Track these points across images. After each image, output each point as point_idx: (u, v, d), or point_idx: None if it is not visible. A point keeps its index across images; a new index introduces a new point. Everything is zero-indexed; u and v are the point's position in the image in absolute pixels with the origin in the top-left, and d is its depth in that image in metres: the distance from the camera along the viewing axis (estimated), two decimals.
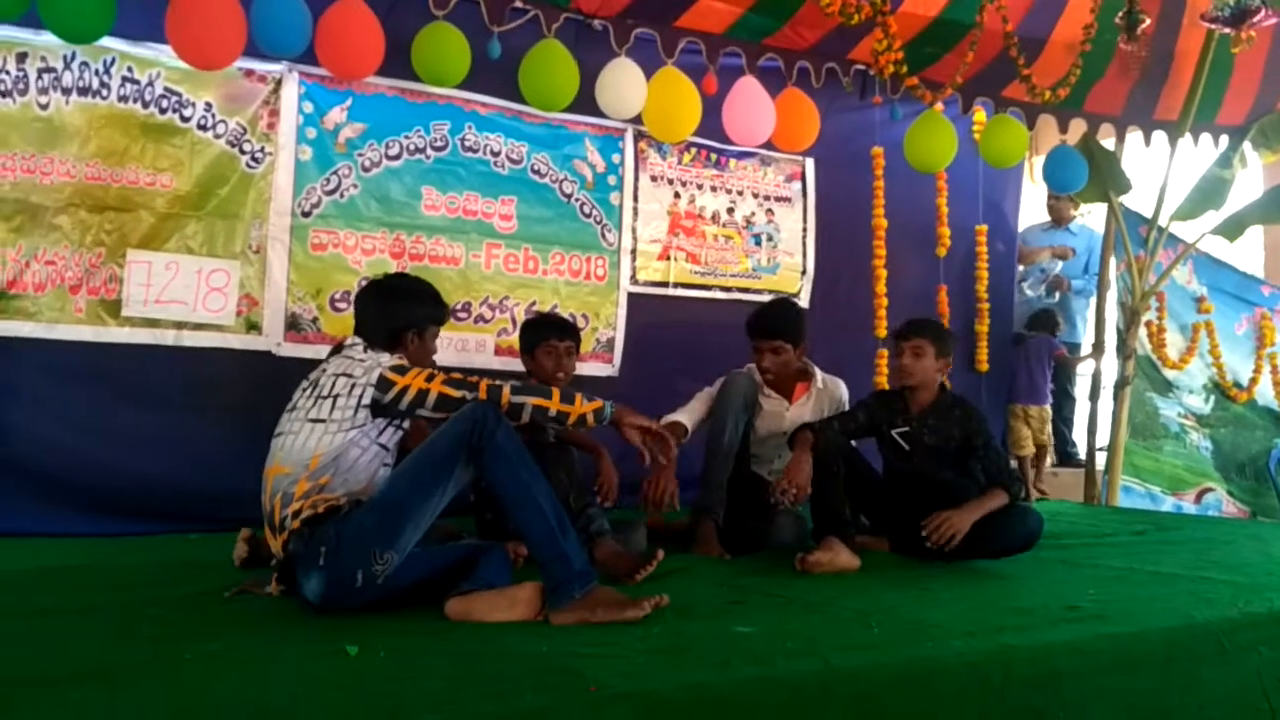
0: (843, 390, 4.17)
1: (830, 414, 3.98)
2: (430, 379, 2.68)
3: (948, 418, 3.79)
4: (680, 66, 4.64)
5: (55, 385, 3.89)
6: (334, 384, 2.70)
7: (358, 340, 2.87)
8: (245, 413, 3.98)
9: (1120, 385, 6.15)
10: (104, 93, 3.99)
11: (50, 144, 3.90)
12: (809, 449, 3.56)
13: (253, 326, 4.26)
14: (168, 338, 4.09)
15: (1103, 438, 6.26)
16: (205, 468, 4.00)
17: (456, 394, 2.67)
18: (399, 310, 2.92)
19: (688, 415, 3.88)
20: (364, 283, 3.36)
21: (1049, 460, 6.20)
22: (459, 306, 4.69)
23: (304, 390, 2.77)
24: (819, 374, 4.13)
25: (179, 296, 4.10)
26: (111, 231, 3.99)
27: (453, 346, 4.68)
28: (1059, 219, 6.79)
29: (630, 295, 5.16)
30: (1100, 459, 6.22)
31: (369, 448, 2.69)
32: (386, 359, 2.76)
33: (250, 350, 4.24)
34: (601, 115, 4.73)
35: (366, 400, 2.65)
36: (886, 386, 4.89)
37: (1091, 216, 7.05)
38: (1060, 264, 6.69)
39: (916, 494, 3.69)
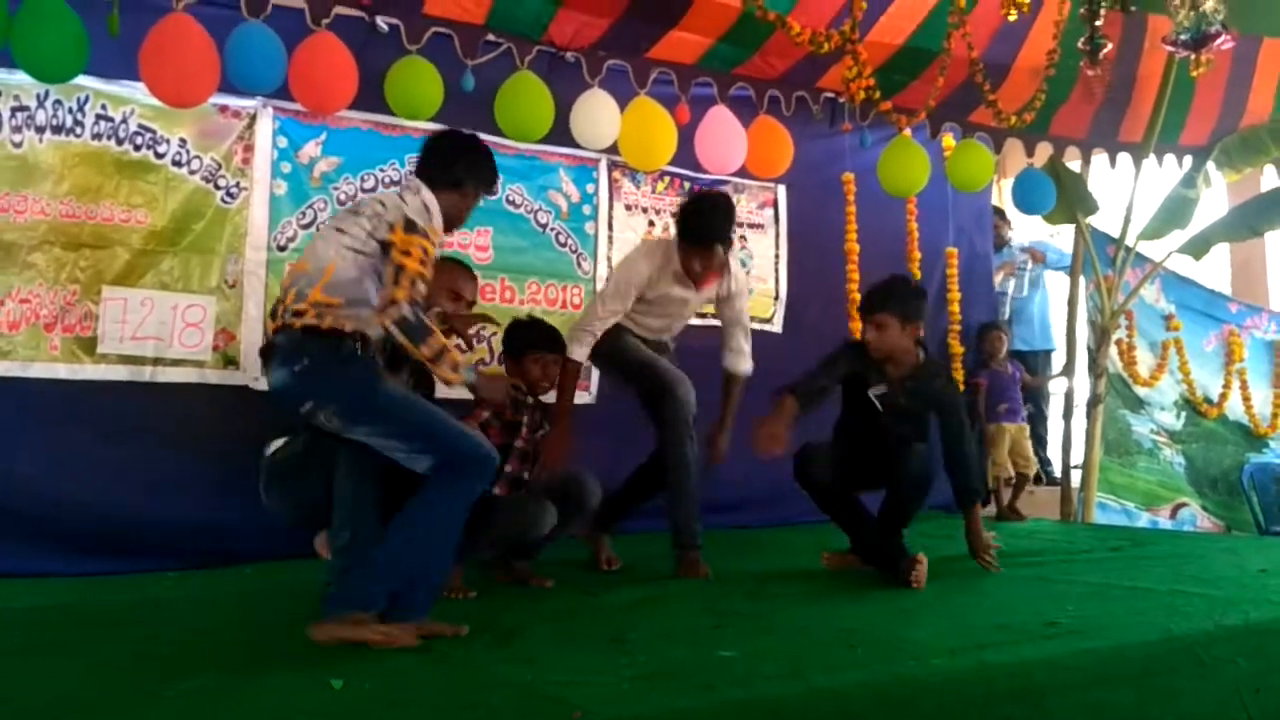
0: (743, 278, 4.36)
1: (731, 294, 4.08)
2: (422, 262, 2.75)
3: (929, 387, 3.81)
4: (652, 96, 4.70)
5: (31, 424, 3.86)
6: (370, 208, 2.85)
7: (415, 180, 3.00)
8: (223, 448, 3.97)
9: (1093, 403, 6.21)
10: (78, 130, 3.99)
11: (24, 182, 3.89)
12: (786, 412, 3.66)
13: (230, 361, 4.24)
14: (144, 374, 4.07)
15: (1077, 455, 6.32)
16: (183, 504, 3.98)
17: (411, 293, 2.71)
18: (467, 161, 3.06)
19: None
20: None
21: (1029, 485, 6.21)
22: None
23: (349, 205, 2.98)
24: (733, 265, 4.12)
25: (155, 332, 4.09)
26: (86, 269, 3.98)
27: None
28: (997, 243, 6.82)
29: None
30: (1075, 476, 6.28)
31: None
32: (417, 207, 2.85)
33: (227, 385, 4.22)
34: (575, 146, 4.78)
35: (380, 235, 2.79)
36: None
37: (1060, 237, 7.16)
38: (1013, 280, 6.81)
39: (868, 441, 3.77)
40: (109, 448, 3.97)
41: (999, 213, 6.77)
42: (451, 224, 3.04)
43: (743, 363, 4.16)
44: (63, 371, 3.94)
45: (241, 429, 3.81)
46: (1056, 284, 7.02)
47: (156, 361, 4.10)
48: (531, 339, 3.79)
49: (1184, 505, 6.57)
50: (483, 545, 3.45)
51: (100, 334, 4.00)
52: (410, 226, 2.77)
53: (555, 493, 3.56)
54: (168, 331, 4.12)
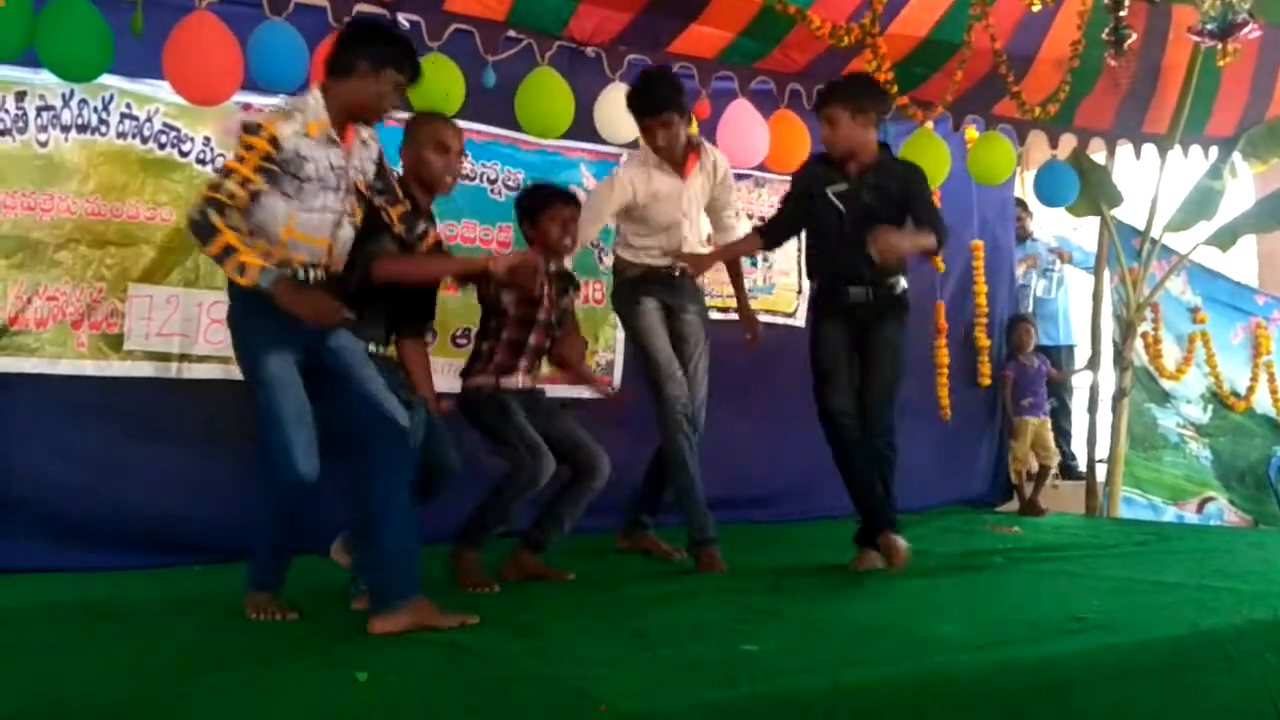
0: (725, 160, 4.23)
1: (718, 184, 4.11)
2: (241, 159, 2.75)
3: (889, 173, 3.79)
4: None
5: (58, 420, 3.89)
6: None
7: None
8: (248, 443, 3.96)
9: (1118, 397, 6.17)
10: (103, 129, 4.02)
11: (50, 181, 3.93)
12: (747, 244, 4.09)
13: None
14: (170, 370, 4.11)
15: (1102, 450, 6.27)
16: (210, 499, 4.00)
17: (218, 193, 2.71)
18: (357, 44, 2.92)
19: None
20: None
21: (1051, 476, 6.17)
22: (459, 333, 4.70)
23: None
24: (705, 143, 4.17)
25: (181, 329, 4.12)
26: (112, 266, 4.02)
27: (452, 370, 4.68)
28: (1020, 235, 6.76)
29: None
30: (1100, 471, 6.24)
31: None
32: (270, 111, 2.92)
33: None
34: (597, 140, 4.78)
35: None
36: None
37: (1082, 231, 7.10)
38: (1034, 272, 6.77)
39: (847, 251, 3.73)
40: (135, 444, 4.01)
41: (1021, 204, 6.71)
42: (367, 112, 2.93)
43: (732, 236, 4.23)
44: (90, 368, 3.97)
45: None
46: (1078, 280, 6.96)
47: (183, 358, 4.13)
48: (545, 197, 3.74)
49: (1211, 499, 6.51)
50: (493, 521, 3.47)
51: (126, 331, 4.03)
52: (246, 129, 2.78)
53: (564, 454, 3.58)
54: (193, 328, 4.14)
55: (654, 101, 3.87)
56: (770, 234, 4.07)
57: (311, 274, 2.88)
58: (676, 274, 4.03)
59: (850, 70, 4.05)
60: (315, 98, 2.89)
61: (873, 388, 3.81)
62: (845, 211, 3.76)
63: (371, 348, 3.18)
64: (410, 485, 2.80)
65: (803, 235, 4.09)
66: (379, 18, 3.12)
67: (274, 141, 2.76)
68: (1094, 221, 6.45)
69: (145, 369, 4.06)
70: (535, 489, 3.47)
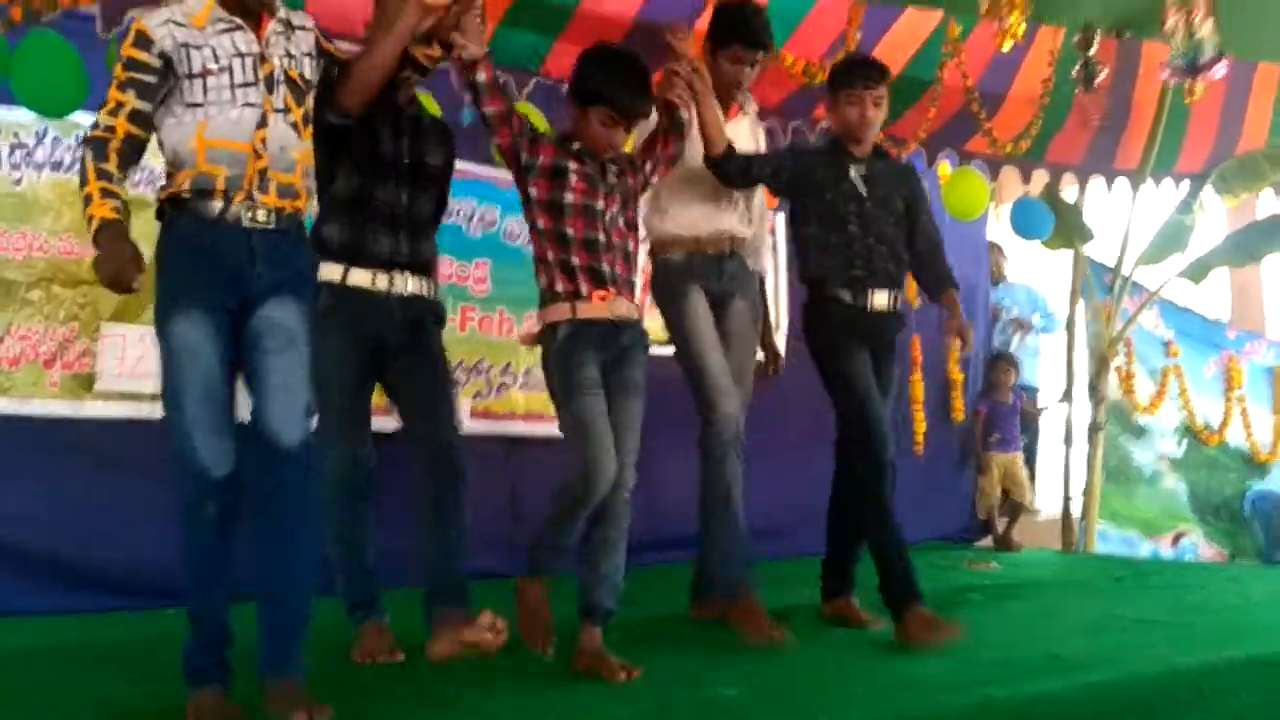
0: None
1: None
2: (120, 86, 2.31)
3: (892, 163, 3.57)
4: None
5: (30, 461, 3.85)
6: None
7: None
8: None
9: (1093, 430, 6.20)
10: (76, 167, 3.98)
11: (23, 219, 3.90)
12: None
13: None
14: (143, 410, 4.05)
15: (1077, 484, 6.30)
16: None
17: (100, 127, 2.31)
18: None
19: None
20: None
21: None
22: None
23: None
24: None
25: (154, 369, 4.06)
26: (85, 305, 3.98)
27: None
28: (995, 276, 6.68)
29: None
30: (1076, 505, 6.26)
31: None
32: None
33: None
34: None
35: None
36: None
37: (1057, 264, 7.15)
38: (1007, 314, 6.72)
39: (872, 243, 3.37)
40: (109, 484, 3.96)
41: (996, 247, 6.74)
42: None
43: (759, 264, 3.75)
44: (62, 409, 3.92)
45: (238, 464, 3.79)
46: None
47: (155, 397, 4.06)
48: (607, 85, 2.87)
49: (1185, 533, 6.55)
50: (561, 538, 2.85)
51: (99, 370, 3.99)
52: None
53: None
54: None
55: (759, 36, 3.42)
56: (749, 159, 3.43)
57: (235, 195, 2.35)
58: (722, 253, 3.49)
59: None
60: None
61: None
62: (868, 196, 3.39)
63: (417, 285, 2.95)
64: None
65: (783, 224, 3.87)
66: None
67: (141, 39, 2.31)
68: (1065, 260, 6.50)
69: (118, 409, 4.02)
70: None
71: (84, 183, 2.26)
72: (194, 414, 2.29)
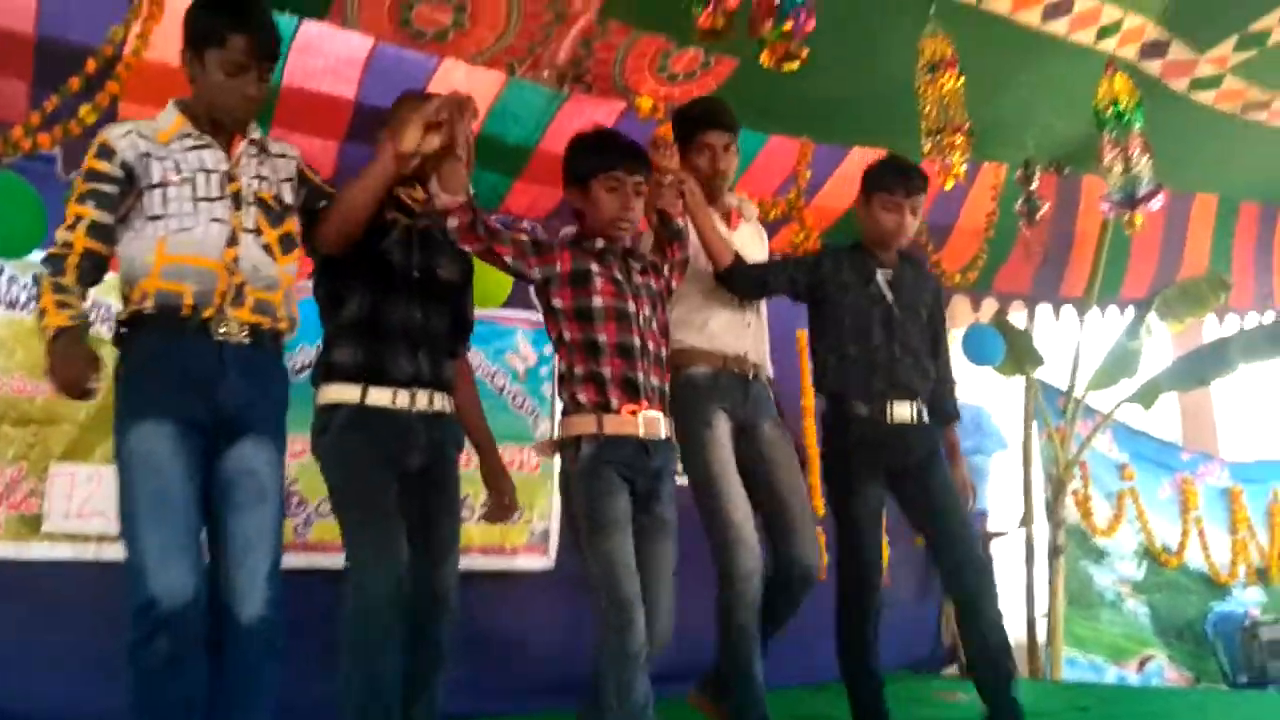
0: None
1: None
2: (78, 198, 2.30)
3: (918, 268, 3.45)
4: None
5: None
6: None
7: None
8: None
9: (1053, 554, 6.20)
10: (30, 305, 3.99)
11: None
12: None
13: None
14: (88, 552, 3.96)
15: (1039, 607, 6.26)
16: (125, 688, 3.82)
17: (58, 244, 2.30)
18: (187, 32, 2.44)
19: None
20: None
21: None
22: None
23: None
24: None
25: (101, 508, 4.00)
26: (34, 445, 3.92)
27: None
28: None
29: None
30: (1041, 628, 6.21)
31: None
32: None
33: None
34: (532, 309, 4.82)
35: None
36: None
37: (1009, 387, 7.25)
38: None
39: (895, 353, 3.24)
40: (52, 630, 3.83)
41: None
42: (219, 108, 2.41)
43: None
44: (9, 551, 3.83)
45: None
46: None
47: (101, 539, 4.00)
48: (599, 150, 2.78)
49: (1151, 657, 6.51)
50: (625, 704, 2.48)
51: (46, 511, 3.91)
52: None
53: None
54: (114, 507, 4.02)
55: (726, 118, 3.32)
56: (766, 269, 3.36)
57: (205, 309, 2.29)
58: (748, 375, 3.27)
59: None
60: (168, 109, 2.45)
61: (960, 536, 3.22)
62: (894, 302, 3.30)
63: (440, 402, 2.82)
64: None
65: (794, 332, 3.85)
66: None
67: (103, 150, 2.30)
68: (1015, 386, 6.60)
69: (63, 550, 3.92)
70: None
71: (39, 297, 2.21)
72: (150, 535, 2.14)
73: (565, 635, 3.94)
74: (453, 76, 3.92)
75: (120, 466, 2.23)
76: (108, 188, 2.28)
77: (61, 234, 2.30)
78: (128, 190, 2.30)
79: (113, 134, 2.32)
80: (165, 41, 3.39)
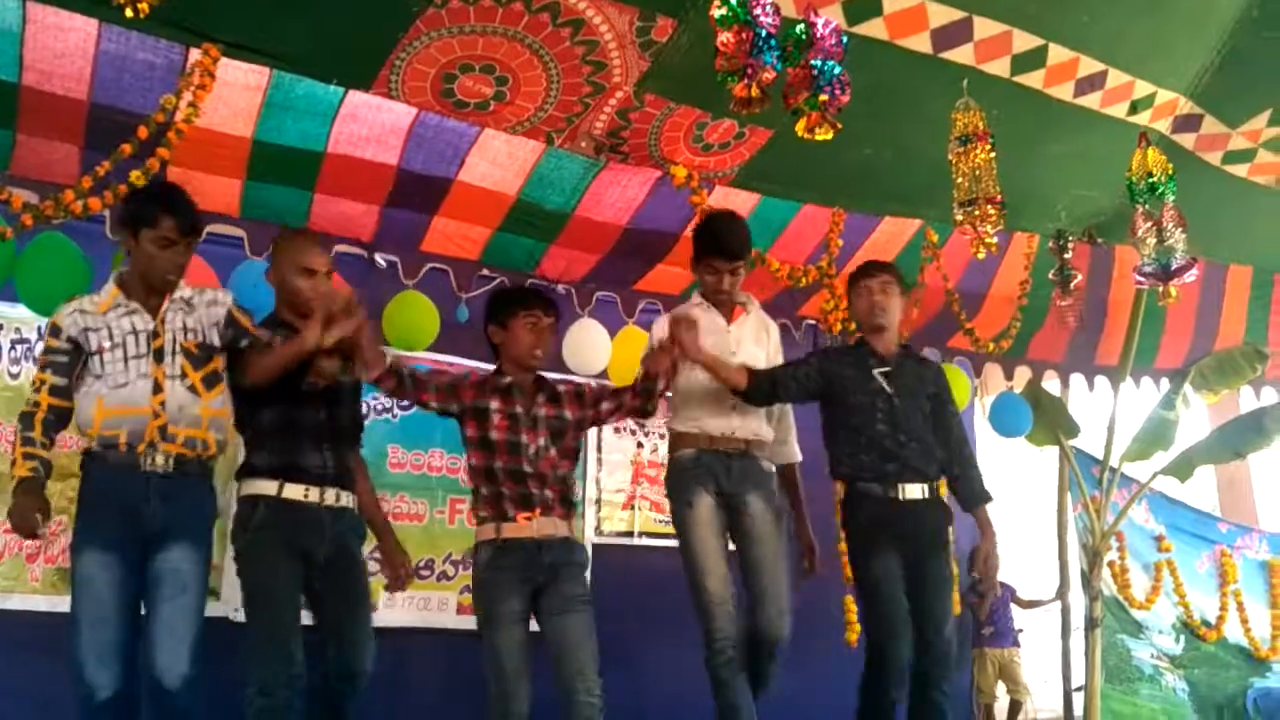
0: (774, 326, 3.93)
1: (772, 346, 3.74)
2: (41, 366, 2.93)
3: (919, 361, 3.70)
4: (641, 325, 4.84)
5: (9, 657, 3.77)
6: None
7: None
8: (204, 682, 3.85)
9: (1089, 627, 6.10)
10: None
11: (17, 411, 3.93)
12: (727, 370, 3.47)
13: (210, 592, 4.16)
14: None
15: (1076, 680, 6.15)
16: None
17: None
18: (123, 211, 3.13)
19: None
20: None
21: (1026, 713, 6.00)
22: (422, 564, 4.65)
23: None
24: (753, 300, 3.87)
25: None
26: (74, 498, 3.95)
27: (414, 604, 4.62)
28: None
29: (595, 546, 5.13)
30: (1077, 702, 6.09)
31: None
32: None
33: (208, 616, 4.12)
34: (565, 371, 4.87)
35: None
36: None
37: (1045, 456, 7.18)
38: None
39: (900, 439, 3.46)
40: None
41: None
42: (152, 275, 3.00)
43: (791, 452, 3.87)
44: (42, 604, 3.88)
45: (221, 662, 3.70)
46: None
47: None
48: (522, 297, 3.43)
49: None
50: None
51: None
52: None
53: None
54: None
55: (739, 247, 3.65)
56: (774, 381, 3.54)
57: (138, 446, 2.86)
58: (733, 452, 3.54)
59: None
60: (108, 283, 3.04)
61: (935, 614, 3.45)
62: (893, 393, 3.56)
63: (344, 499, 3.25)
64: None
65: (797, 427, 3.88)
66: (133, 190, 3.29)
67: (54, 330, 2.92)
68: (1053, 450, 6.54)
69: None
70: None
71: (13, 449, 2.81)
72: (86, 638, 2.70)
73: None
74: (493, 145, 4.02)
75: (71, 582, 2.82)
76: (60, 358, 2.89)
77: (29, 394, 2.89)
78: (76, 358, 2.90)
79: (61, 314, 2.92)
80: (215, 109, 3.51)
